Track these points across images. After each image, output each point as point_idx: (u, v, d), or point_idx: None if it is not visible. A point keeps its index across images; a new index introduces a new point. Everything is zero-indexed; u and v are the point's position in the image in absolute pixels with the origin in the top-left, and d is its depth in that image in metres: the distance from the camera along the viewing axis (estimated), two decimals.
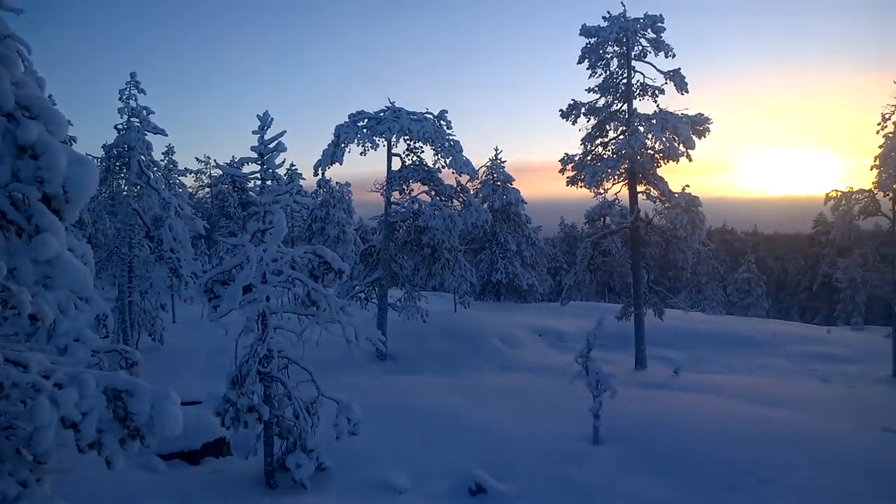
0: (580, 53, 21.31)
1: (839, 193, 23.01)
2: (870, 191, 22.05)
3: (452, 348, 21.86)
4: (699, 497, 8.58)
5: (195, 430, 9.70)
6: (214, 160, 36.83)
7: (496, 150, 41.47)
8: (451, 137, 18.09)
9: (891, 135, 20.93)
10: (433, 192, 19.03)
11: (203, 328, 18.40)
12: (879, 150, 21.36)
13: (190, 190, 38.32)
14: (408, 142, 18.39)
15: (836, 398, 19.08)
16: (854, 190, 22.58)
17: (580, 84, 22.17)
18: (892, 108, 21.02)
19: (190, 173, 37.35)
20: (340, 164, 17.52)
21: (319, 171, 18.02)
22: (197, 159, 37.32)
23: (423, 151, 18.89)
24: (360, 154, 17.43)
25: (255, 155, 9.24)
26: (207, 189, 37.78)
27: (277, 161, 9.28)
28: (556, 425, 11.46)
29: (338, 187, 32.72)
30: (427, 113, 18.27)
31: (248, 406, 8.65)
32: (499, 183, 41.05)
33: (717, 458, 9.95)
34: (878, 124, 21.34)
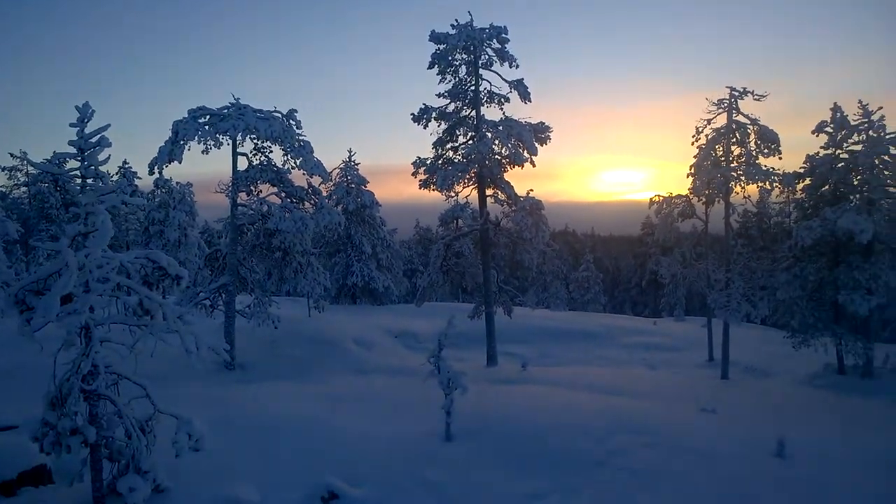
0: (430, 59, 21.73)
1: (661, 198, 25.55)
2: (686, 196, 24.72)
3: (306, 354, 21.24)
4: (545, 484, 9.04)
5: (10, 458, 8.72)
6: (28, 156, 32.53)
7: (350, 151, 41.04)
8: (301, 137, 17.54)
9: (703, 146, 23.63)
10: (283, 194, 18.33)
11: (22, 344, 16.17)
12: (694, 160, 24.05)
13: (2, 189, 33.73)
14: (255, 141, 17.55)
15: (662, 383, 21.18)
16: (673, 195, 25.20)
17: (433, 89, 22.66)
18: (705, 123, 23.73)
19: (3, 170, 32.78)
20: (179, 162, 16.26)
21: (156, 170, 16.59)
22: (11, 155, 32.76)
23: (271, 151, 18.13)
24: (203, 153, 16.32)
25: (73, 150, 8.26)
26: (24, 188, 33.38)
27: (101, 157, 8.37)
28: (411, 426, 11.52)
29: (178, 188, 30.44)
30: (275, 111, 17.56)
31: (70, 428, 7.73)
32: (353, 185, 40.67)
33: (560, 446, 10.55)
34: (693, 136, 24.02)
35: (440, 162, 22.85)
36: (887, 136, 21.12)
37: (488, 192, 23.17)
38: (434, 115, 22.46)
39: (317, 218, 18.25)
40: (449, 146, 22.96)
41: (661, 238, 27.18)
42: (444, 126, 22.71)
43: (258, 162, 18.04)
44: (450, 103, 22.56)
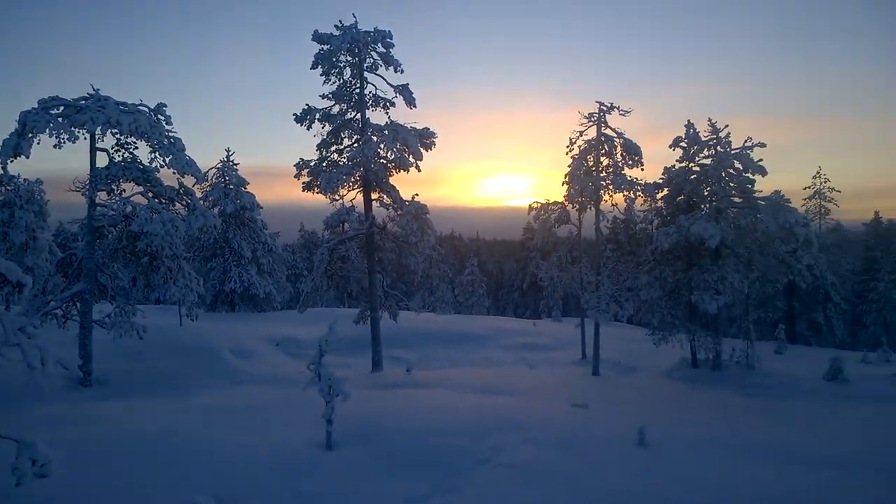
0: (314, 59, 21.28)
1: (539, 205, 26.71)
2: (562, 203, 26.02)
3: (177, 366, 19.98)
4: (426, 486, 9.07)
5: None
6: None
7: (228, 151, 39.20)
8: (170, 134, 16.46)
9: (576, 156, 24.98)
10: (150, 194, 17.09)
11: None
12: (569, 169, 25.35)
13: None
14: (117, 136, 16.23)
15: (540, 381, 22.08)
16: (550, 202, 26.43)
17: (317, 89, 22.19)
18: (578, 135, 25.10)
19: None
20: (27, 156, 14.65)
21: None
22: None
23: (136, 148, 16.84)
24: (55, 147, 14.83)
25: None
26: None
27: None
28: (290, 436, 11.15)
29: (26, 185, 27.49)
30: (141, 105, 16.33)
31: None
32: (232, 186, 38.91)
33: (442, 447, 10.66)
34: (567, 147, 25.33)
35: (324, 164, 22.43)
36: (732, 152, 23.47)
37: (374, 195, 23.06)
38: (318, 116, 22.03)
39: (189, 220, 17.19)
40: (333, 148, 22.61)
41: (539, 243, 28.38)
42: (328, 128, 22.34)
43: (121, 158, 16.69)
44: (334, 105, 22.23)
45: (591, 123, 24.46)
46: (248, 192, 39.14)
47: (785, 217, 22.52)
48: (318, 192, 22.16)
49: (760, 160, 23.16)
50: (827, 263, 41.71)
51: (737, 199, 23.85)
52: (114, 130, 15.67)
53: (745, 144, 23.49)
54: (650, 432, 11.63)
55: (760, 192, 23.61)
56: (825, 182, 50.77)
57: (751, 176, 23.40)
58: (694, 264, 23.84)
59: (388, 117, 22.59)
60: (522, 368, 26.73)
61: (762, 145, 23.34)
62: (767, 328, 40.63)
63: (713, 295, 22.65)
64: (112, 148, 16.77)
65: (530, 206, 26.73)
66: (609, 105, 24.08)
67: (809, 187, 51.04)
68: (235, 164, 39.16)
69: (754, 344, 25.84)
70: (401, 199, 22.79)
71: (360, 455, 10.19)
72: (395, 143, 21.63)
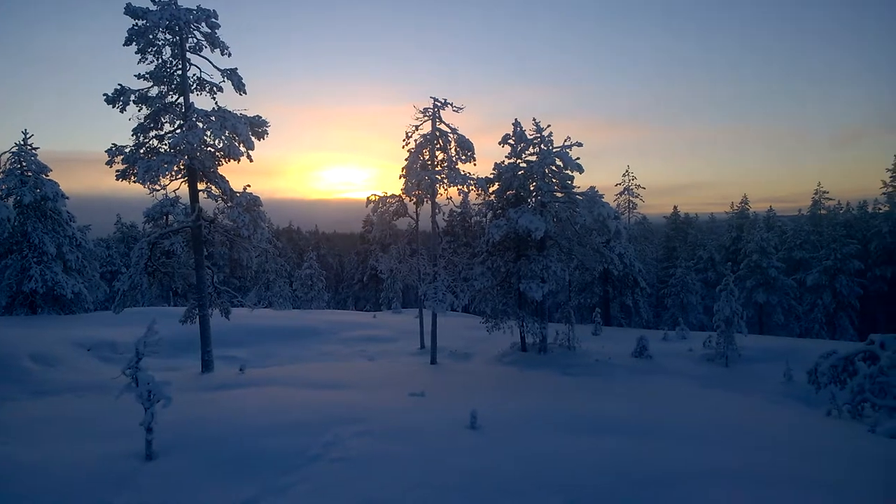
0: (127, 35, 19.38)
1: (378, 197, 26.82)
2: (400, 196, 26.37)
3: None
4: (256, 488, 8.76)
5: None
6: None
7: (25, 133, 34.43)
8: None
9: (413, 150, 25.43)
10: None
11: None
12: (406, 162, 25.74)
13: None
14: None
15: (378, 373, 22.27)
16: (388, 195, 26.66)
17: (131, 68, 20.22)
18: (414, 129, 25.55)
19: None
20: None
21: None
22: None
23: None
24: None
25: None
26: None
27: None
28: (103, 448, 10.15)
29: None
30: None
31: None
32: (30, 174, 34.29)
33: (275, 446, 10.36)
34: (404, 141, 25.69)
35: (142, 151, 20.56)
36: (554, 150, 25.41)
37: (201, 186, 21.63)
38: (133, 98, 20.11)
39: None
40: (153, 134, 20.80)
41: (378, 235, 28.54)
42: (146, 111, 20.49)
43: None
44: (152, 86, 20.44)
45: (426, 118, 25.04)
46: (50, 179, 34.70)
47: (599, 211, 24.88)
48: (135, 182, 20.26)
49: (578, 158, 25.34)
50: (635, 252, 46.77)
51: (559, 194, 25.86)
52: None
53: (565, 144, 25.54)
54: (481, 414, 12.27)
55: (578, 187, 25.86)
56: (633, 180, 56.81)
57: (570, 173, 25.52)
58: (522, 255, 25.49)
59: (216, 103, 21.29)
60: (362, 361, 26.78)
61: (579, 144, 25.54)
62: (587, 312, 44.70)
63: (539, 283, 24.40)
64: None
65: (368, 198, 26.75)
66: (443, 101, 24.82)
67: (620, 184, 56.74)
68: (34, 149, 34.50)
69: (575, 327, 28.31)
70: (231, 190, 21.62)
71: (184, 463, 9.56)
72: (224, 130, 20.43)
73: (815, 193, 61.69)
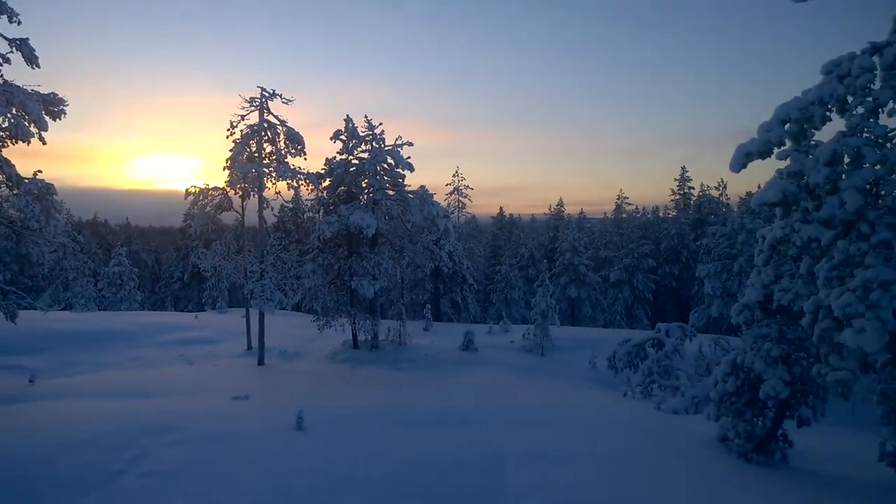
0: None
1: (198, 189, 25.05)
2: (223, 189, 24.86)
3: None
4: None
5: None
6: None
7: None
8: None
9: (238, 141, 24.11)
10: None
11: None
12: (230, 153, 24.32)
13: None
14: None
15: (200, 377, 20.87)
16: (210, 187, 25.01)
17: None
18: (239, 118, 24.22)
19: None
20: None
21: None
22: None
23: None
24: None
25: None
26: None
27: None
28: None
29: None
30: None
31: None
32: None
33: (72, 465, 9.26)
34: (228, 131, 24.25)
35: None
36: (385, 148, 25.65)
37: None
38: None
39: None
40: None
41: (200, 230, 26.68)
42: None
43: None
44: None
45: (253, 108, 23.90)
46: None
47: (429, 209, 25.58)
48: None
49: (409, 158, 25.83)
50: (464, 250, 48.78)
51: (390, 192, 26.15)
52: None
53: (397, 142, 25.89)
54: (308, 415, 12.01)
55: (410, 186, 26.37)
56: (462, 180, 59.18)
57: (402, 171, 25.92)
58: (354, 252, 25.38)
59: (1, 77, 18.43)
60: (180, 366, 24.90)
61: (410, 144, 26.05)
62: (418, 308, 45.73)
63: (371, 280, 24.48)
64: None
65: (187, 190, 24.89)
66: (271, 91, 23.88)
67: (450, 184, 58.84)
68: None
69: (406, 323, 28.83)
70: (18, 175, 18.85)
71: None
72: (11, 107, 17.75)
73: (618, 199, 69.30)
